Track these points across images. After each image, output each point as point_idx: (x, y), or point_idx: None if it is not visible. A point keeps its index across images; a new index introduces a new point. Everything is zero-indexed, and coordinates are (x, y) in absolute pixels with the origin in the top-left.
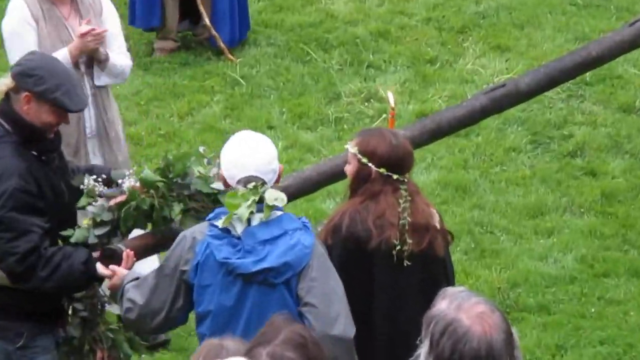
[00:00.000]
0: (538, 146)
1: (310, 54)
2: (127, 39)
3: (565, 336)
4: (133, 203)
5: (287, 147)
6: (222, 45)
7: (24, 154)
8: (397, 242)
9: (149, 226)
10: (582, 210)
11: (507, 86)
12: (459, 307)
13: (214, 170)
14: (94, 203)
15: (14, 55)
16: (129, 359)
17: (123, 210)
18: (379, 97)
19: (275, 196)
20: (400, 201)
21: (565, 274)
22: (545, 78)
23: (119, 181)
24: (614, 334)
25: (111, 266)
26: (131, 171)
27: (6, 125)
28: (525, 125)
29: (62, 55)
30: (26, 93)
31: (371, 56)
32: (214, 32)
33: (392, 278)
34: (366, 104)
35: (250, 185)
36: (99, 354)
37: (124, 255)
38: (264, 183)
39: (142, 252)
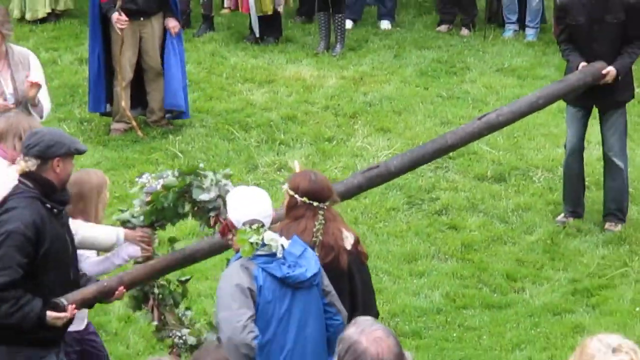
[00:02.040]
0: (412, 206)
1: (234, 133)
2: (89, 121)
3: (432, 356)
4: (156, 201)
5: None
6: (134, 124)
7: (38, 207)
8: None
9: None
10: (446, 256)
11: (380, 167)
12: (362, 331)
13: (207, 183)
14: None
15: None
16: (177, 305)
17: (149, 207)
18: (288, 168)
19: (272, 236)
20: (316, 223)
21: (433, 307)
22: (409, 161)
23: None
24: (470, 354)
25: (55, 315)
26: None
27: (29, 184)
28: (402, 190)
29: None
30: (57, 158)
31: (282, 135)
32: (129, 114)
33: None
34: (278, 173)
35: (254, 226)
36: (150, 301)
37: (68, 307)
38: (263, 225)
39: (80, 305)
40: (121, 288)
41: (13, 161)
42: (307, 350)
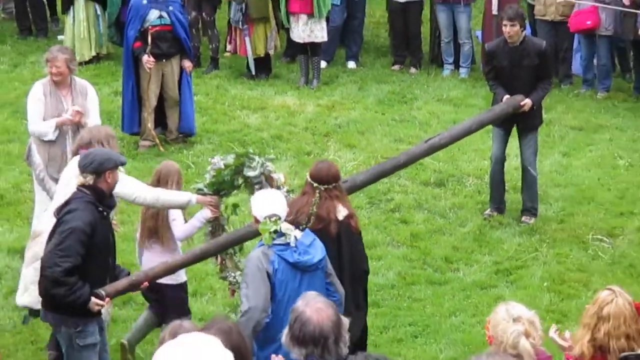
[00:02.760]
0: (372, 205)
1: (234, 148)
2: (122, 139)
3: (388, 321)
4: (218, 176)
5: None
6: (157, 141)
7: (92, 209)
8: (304, 221)
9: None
10: (398, 244)
11: (348, 182)
12: (307, 304)
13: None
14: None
15: (31, 114)
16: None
17: (213, 179)
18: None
19: (287, 227)
20: (313, 199)
21: (388, 283)
22: (372, 176)
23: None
24: (417, 320)
25: (96, 302)
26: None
27: (86, 191)
28: (364, 192)
29: (51, 123)
30: (108, 172)
31: (272, 150)
32: (153, 133)
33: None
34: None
35: (273, 219)
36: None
37: (106, 297)
38: (280, 218)
39: (114, 295)
40: (145, 283)
41: None
42: None
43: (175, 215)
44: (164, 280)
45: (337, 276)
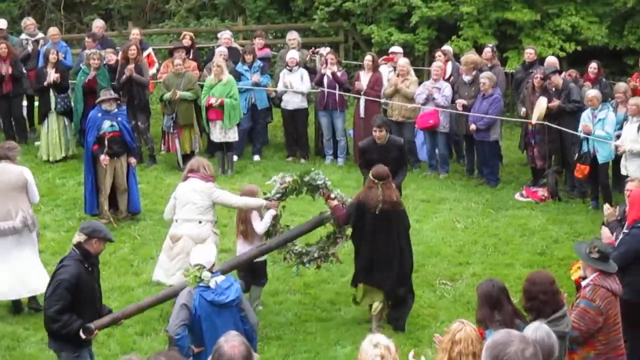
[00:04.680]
0: (274, 263)
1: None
2: (85, 219)
3: (288, 350)
4: (291, 185)
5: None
6: (111, 219)
7: (80, 266)
8: (378, 205)
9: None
10: (295, 291)
11: (266, 244)
12: (226, 340)
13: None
14: (276, 185)
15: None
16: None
17: (283, 190)
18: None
19: (206, 274)
20: (379, 191)
21: (287, 321)
22: (285, 238)
23: (283, 179)
24: (310, 348)
25: (87, 334)
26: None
27: (77, 251)
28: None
29: None
30: (95, 239)
31: None
32: (108, 214)
33: (373, 221)
34: None
35: (198, 267)
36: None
37: (94, 330)
38: (204, 267)
39: (100, 328)
40: (123, 319)
41: (206, 179)
42: None
43: (255, 217)
44: (260, 259)
45: (396, 232)
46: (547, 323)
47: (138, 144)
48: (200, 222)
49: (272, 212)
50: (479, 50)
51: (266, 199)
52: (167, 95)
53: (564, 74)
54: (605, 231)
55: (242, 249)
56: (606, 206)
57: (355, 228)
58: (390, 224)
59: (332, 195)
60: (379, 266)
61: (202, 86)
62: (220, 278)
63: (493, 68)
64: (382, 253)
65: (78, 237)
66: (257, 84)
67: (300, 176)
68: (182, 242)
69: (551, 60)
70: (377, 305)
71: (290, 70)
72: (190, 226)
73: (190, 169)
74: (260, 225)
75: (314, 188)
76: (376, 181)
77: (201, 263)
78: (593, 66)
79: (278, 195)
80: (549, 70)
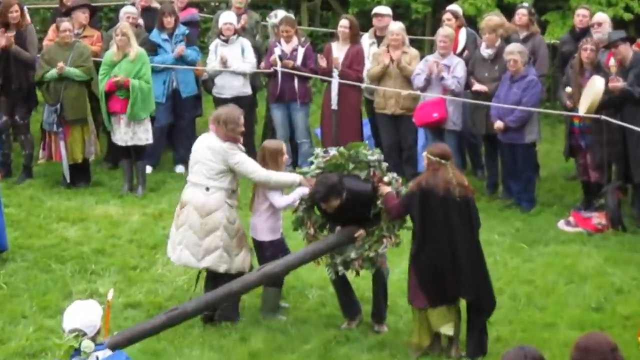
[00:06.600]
0: (206, 323)
1: (51, 265)
2: None
3: None
4: (333, 161)
5: (36, 330)
6: None
7: None
8: (450, 190)
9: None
10: None
11: (179, 309)
12: None
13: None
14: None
15: None
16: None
17: (330, 164)
18: (100, 294)
19: (88, 344)
20: (449, 173)
21: None
22: (203, 304)
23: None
24: None
25: None
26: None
27: None
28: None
29: None
30: None
31: (93, 266)
32: None
33: (446, 212)
34: (91, 298)
35: (74, 334)
36: (307, 223)
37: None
38: (84, 334)
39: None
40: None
41: (226, 137)
42: None
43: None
44: (263, 238)
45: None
46: None
47: (6, 150)
48: (207, 189)
49: (303, 189)
50: (506, 11)
51: (302, 173)
52: (52, 72)
53: (632, 45)
54: None
55: (254, 221)
56: None
57: (423, 223)
58: (470, 215)
59: (386, 179)
60: (458, 273)
61: (99, 65)
62: (102, 353)
63: (530, 37)
64: (462, 255)
65: None
66: (181, 60)
67: (348, 149)
68: (187, 210)
69: (608, 23)
70: (449, 327)
71: (227, 41)
72: (196, 192)
73: (213, 118)
74: (282, 200)
75: (363, 165)
76: (443, 161)
77: (80, 328)
78: None
79: (318, 172)
80: (615, 36)
